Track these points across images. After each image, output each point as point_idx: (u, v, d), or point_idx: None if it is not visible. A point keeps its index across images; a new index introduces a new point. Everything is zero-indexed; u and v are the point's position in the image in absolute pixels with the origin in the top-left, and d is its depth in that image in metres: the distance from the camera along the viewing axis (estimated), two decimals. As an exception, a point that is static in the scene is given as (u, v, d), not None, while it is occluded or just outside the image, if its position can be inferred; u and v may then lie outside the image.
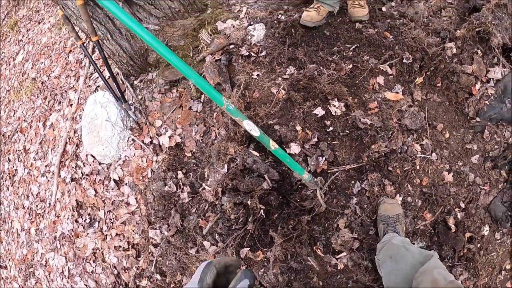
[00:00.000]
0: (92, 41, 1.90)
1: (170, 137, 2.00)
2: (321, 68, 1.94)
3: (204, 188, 1.80)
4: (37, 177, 2.75)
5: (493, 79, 2.08)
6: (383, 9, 2.19)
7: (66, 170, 2.50)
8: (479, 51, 2.08)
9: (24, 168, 2.88)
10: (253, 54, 1.98)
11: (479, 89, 2.05)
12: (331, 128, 1.85)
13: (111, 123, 2.13)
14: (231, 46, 1.99)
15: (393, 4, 2.22)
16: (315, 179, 1.69)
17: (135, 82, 2.18)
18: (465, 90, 2.05)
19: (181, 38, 2.06)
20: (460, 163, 2.00)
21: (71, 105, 2.65)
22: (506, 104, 2.08)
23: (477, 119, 2.08)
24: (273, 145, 1.55)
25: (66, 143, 2.57)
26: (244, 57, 1.98)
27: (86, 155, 2.37)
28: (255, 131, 1.51)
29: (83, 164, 2.40)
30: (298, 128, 1.85)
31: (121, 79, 2.22)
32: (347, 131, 1.84)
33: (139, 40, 2.05)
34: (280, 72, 1.96)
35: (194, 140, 1.95)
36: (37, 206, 2.70)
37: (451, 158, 1.99)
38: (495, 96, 2.10)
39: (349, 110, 1.87)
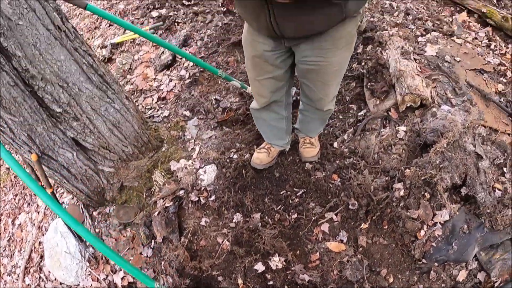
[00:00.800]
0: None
1: (122, 278, 2.25)
2: (266, 218, 2.16)
3: None
4: (3, 274, 3.03)
5: (440, 222, 2.27)
6: (335, 144, 2.38)
7: (31, 278, 2.76)
8: (426, 193, 2.26)
9: (-8, 262, 3.17)
10: (202, 200, 2.21)
11: (424, 234, 2.24)
12: (271, 282, 2.07)
13: (71, 254, 2.39)
14: (181, 192, 2.22)
15: (345, 137, 2.41)
16: None
17: (94, 213, 2.43)
18: (411, 234, 2.25)
19: (135, 179, 2.29)
20: (403, 307, 2.20)
21: (38, 212, 2.92)
22: (452, 246, 2.26)
23: (424, 260, 2.27)
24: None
25: (32, 250, 2.85)
26: (193, 202, 2.22)
27: (49, 272, 2.64)
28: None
29: (46, 278, 2.65)
30: (240, 281, 2.07)
31: (81, 208, 2.48)
32: (286, 287, 2.07)
33: (95, 181, 2.29)
34: (227, 219, 2.18)
35: (144, 284, 2.19)
36: (2, 304, 2.99)
37: (394, 304, 2.19)
38: (442, 237, 2.27)
39: (289, 264, 2.09)
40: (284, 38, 1.47)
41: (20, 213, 3.11)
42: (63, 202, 2.78)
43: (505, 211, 2.24)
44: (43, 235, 2.82)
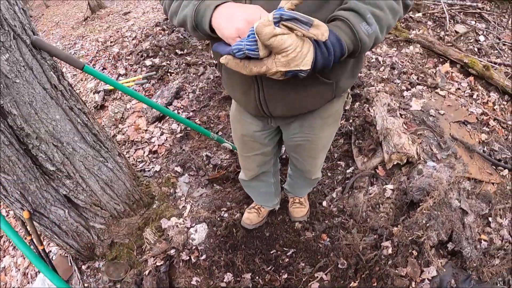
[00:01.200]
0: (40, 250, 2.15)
1: (110, 338, 2.23)
2: (257, 278, 2.18)
3: None
4: (-17, 317, 2.96)
5: (427, 278, 2.33)
6: (324, 203, 2.44)
7: (15, 325, 2.71)
8: (414, 251, 2.32)
9: (-26, 303, 3.09)
10: (193, 259, 2.23)
11: (412, 290, 2.29)
12: None
13: (58, 310, 2.36)
14: (172, 251, 2.24)
15: (334, 195, 2.47)
16: None
17: (83, 267, 2.42)
18: (400, 291, 2.30)
19: (126, 236, 2.30)
20: None
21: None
22: (440, 302, 2.32)
23: (412, 317, 2.32)
24: None
25: (17, 296, 2.80)
26: (184, 261, 2.23)
27: (36, 323, 2.59)
28: None
29: (32, 330, 2.61)
30: None
31: (70, 261, 2.47)
32: None
33: (86, 237, 2.29)
34: (218, 278, 2.20)
35: None
36: None
37: None
38: (430, 293, 2.34)
39: (279, 327, 2.11)
40: (271, 118, 1.42)
41: (4, 256, 3.07)
42: (50, 251, 2.76)
43: (492, 261, 2.30)
44: (28, 282, 2.78)
